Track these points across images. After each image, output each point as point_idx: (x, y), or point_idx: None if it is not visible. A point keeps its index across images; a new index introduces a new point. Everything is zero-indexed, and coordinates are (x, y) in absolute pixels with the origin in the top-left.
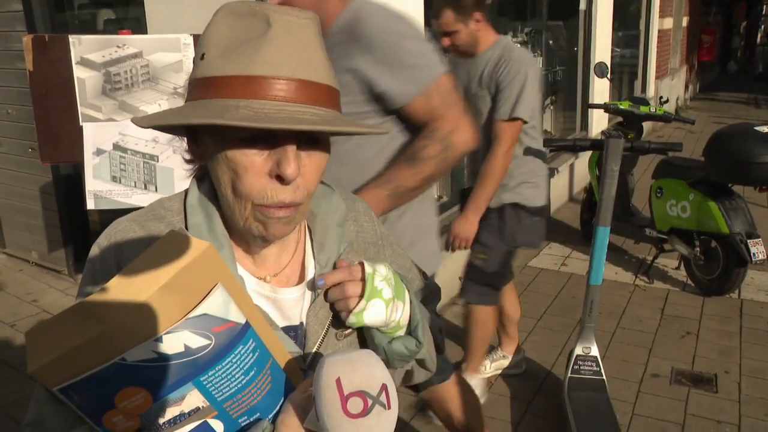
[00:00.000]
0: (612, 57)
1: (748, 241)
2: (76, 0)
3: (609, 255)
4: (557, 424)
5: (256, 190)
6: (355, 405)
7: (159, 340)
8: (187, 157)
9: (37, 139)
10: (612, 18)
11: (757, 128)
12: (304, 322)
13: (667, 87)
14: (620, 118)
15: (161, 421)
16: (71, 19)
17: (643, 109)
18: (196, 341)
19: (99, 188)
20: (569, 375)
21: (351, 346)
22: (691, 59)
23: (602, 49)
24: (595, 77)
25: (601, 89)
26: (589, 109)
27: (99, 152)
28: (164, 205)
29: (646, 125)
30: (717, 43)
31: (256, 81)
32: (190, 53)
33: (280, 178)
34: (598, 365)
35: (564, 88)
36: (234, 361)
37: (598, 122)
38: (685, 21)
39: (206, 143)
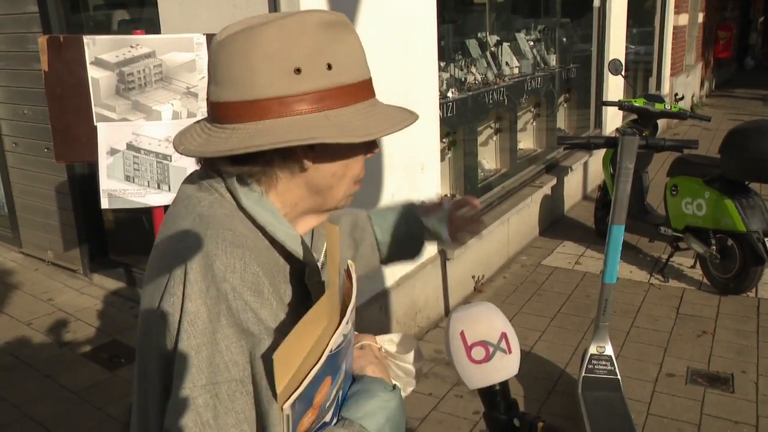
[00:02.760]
0: (626, 54)
1: (766, 239)
2: (91, 1)
3: (623, 253)
4: (571, 424)
5: (360, 168)
6: (478, 353)
7: (348, 320)
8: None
9: (52, 139)
10: (626, 14)
11: None
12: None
13: (682, 84)
14: (635, 116)
15: (327, 404)
16: (86, 20)
17: (658, 107)
18: (353, 314)
19: (113, 188)
20: (583, 374)
21: None
22: (706, 56)
23: (616, 46)
24: (609, 74)
25: (615, 86)
26: (603, 107)
27: (113, 152)
28: (218, 211)
29: (661, 123)
30: (734, 39)
31: (366, 84)
32: (203, 53)
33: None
34: (612, 364)
35: (578, 86)
36: (350, 322)
37: (612, 120)
38: (700, 17)
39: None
